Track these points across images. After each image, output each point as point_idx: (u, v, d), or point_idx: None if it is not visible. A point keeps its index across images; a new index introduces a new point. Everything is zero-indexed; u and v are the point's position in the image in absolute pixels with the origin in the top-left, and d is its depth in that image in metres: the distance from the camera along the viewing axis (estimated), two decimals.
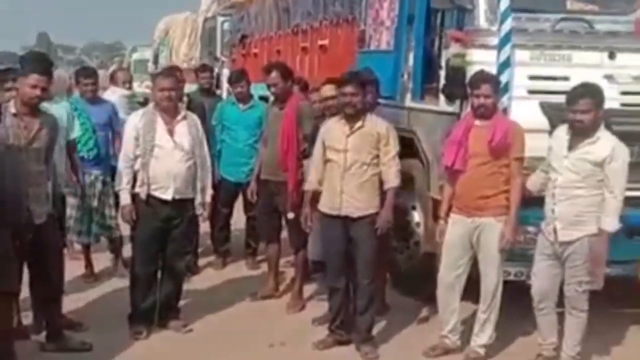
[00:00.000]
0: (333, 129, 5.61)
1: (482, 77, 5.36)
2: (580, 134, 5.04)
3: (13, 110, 5.11)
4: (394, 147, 5.57)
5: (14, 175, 4.64)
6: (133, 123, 5.86)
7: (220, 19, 15.98)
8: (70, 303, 6.09)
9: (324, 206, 5.64)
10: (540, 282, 5.27)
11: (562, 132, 5.18)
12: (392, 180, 5.54)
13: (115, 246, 7.47)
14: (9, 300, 4.98)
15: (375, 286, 5.73)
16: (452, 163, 5.38)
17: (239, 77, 7.62)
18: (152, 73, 22.59)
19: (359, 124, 5.51)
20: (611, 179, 4.99)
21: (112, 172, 7.23)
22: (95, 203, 7.07)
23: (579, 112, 4.98)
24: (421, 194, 6.62)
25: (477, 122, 5.33)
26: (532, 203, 5.47)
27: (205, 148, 6.03)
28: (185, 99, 7.26)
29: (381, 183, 5.57)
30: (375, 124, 5.56)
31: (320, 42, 9.59)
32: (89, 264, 7.35)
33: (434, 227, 5.82)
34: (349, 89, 5.50)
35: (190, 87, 8.19)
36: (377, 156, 5.52)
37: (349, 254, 5.62)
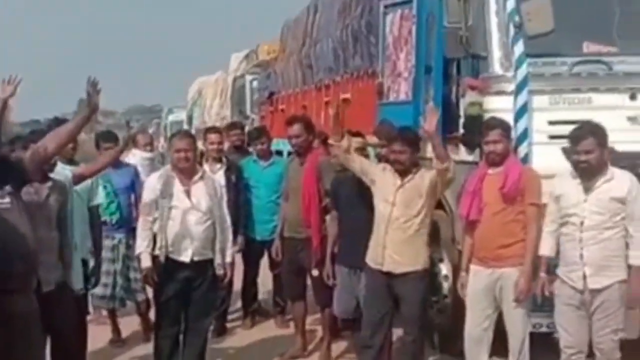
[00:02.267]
0: (386, 177, 5.51)
1: (490, 123, 5.31)
2: (589, 175, 4.87)
3: None
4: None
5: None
6: (151, 185, 5.85)
7: (248, 77, 16.16)
8: None
9: (369, 259, 5.55)
10: (571, 335, 5.05)
11: (568, 178, 5.00)
12: None
13: (141, 309, 7.41)
14: None
15: (420, 346, 5.58)
16: (468, 213, 5.29)
17: (259, 134, 7.61)
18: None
19: (409, 177, 5.43)
20: (636, 212, 4.82)
21: (135, 235, 7.27)
22: (119, 267, 7.04)
23: (583, 153, 4.82)
24: (447, 246, 6.50)
25: (490, 170, 5.25)
26: None
27: (225, 208, 5.97)
28: (224, 159, 7.32)
29: (429, 239, 5.48)
30: (422, 177, 5.45)
31: (342, 96, 9.58)
32: (115, 329, 7.29)
33: (458, 280, 5.69)
34: (396, 146, 5.46)
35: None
36: (427, 210, 5.42)
37: (393, 311, 5.51)
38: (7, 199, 4.48)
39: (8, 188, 4.48)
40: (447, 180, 5.40)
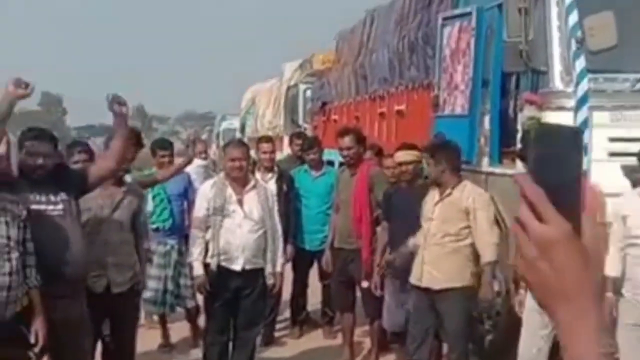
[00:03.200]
0: (431, 192, 5.48)
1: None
2: None
3: None
4: (485, 219, 5.34)
5: (75, 244, 4.61)
6: (204, 193, 5.87)
7: (302, 86, 16.11)
8: None
9: (411, 274, 5.50)
10: (634, 358, 4.93)
11: (635, 197, 4.89)
12: (485, 254, 5.32)
13: (191, 316, 7.43)
14: None
15: None
16: None
17: (311, 144, 7.59)
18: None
19: (447, 191, 5.37)
20: None
21: (187, 241, 7.30)
22: (170, 273, 7.08)
23: None
24: (500, 262, 6.38)
25: None
26: None
27: (276, 217, 5.97)
28: (275, 168, 7.33)
29: (476, 255, 5.38)
30: (463, 193, 5.39)
31: (397, 108, 9.53)
32: (165, 334, 7.33)
33: (515, 297, 5.59)
34: (432, 160, 5.42)
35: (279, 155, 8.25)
36: (468, 227, 5.34)
37: (438, 325, 5.46)
38: (60, 206, 4.54)
39: (63, 195, 4.54)
40: None
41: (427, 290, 5.39)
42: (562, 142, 1.11)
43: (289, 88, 17.50)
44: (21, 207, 4.25)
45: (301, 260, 7.44)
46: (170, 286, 7.07)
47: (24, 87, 4.24)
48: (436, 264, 5.33)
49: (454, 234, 5.32)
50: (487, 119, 6.53)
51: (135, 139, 5.64)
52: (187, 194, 7.27)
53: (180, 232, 7.20)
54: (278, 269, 5.92)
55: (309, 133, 14.83)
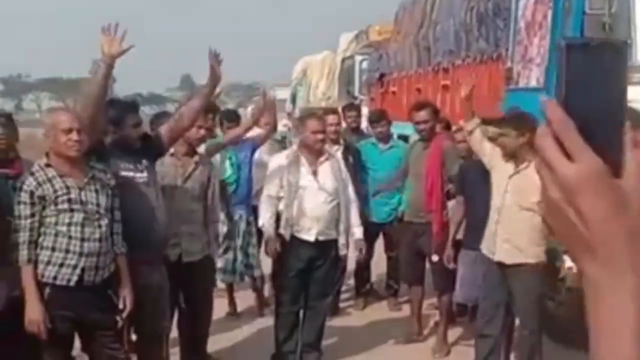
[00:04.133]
0: (503, 163, 5.37)
1: None
2: None
3: (171, 150, 5.20)
4: None
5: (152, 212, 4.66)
6: (278, 163, 5.87)
7: (358, 57, 15.99)
8: (213, 343, 6.08)
9: (483, 247, 5.45)
10: None
11: None
12: None
13: (257, 285, 7.48)
14: (161, 340, 5.02)
15: (537, 338, 5.44)
16: None
17: (379, 116, 7.54)
18: (289, 112, 23.01)
19: (524, 164, 5.28)
20: None
21: (255, 211, 7.32)
22: (239, 242, 7.12)
23: None
24: None
25: None
26: None
27: (350, 188, 5.97)
28: (342, 141, 7.29)
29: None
30: None
31: (462, 81, 9.41)
32: (232, 302, 7.40)
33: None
34: (508, 130, 5.32)
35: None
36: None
37: (510, 301, 5.41)
38: (145, 173, 4.60)
39: (145, 162, 4.59)
40: None
41: (499, 264, 5.35)
42: (601, 59, 0.89)
43: (344, 59, 17.39)
44: (109, 175, 4.31)
45: (367, 232, 7.39)
46: (239, 255, 7.12)
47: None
48: (510, 238, 5.25)
49: (528, 208, 5.23)
50: None
51: (212, 108, 5.65)
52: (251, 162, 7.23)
53: (248, 201, 7.23)
54: (358, 235, 5.96)
55: (365, 105, 14.80)
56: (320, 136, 5.76)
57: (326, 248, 5.83)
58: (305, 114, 6.25)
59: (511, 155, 5.36)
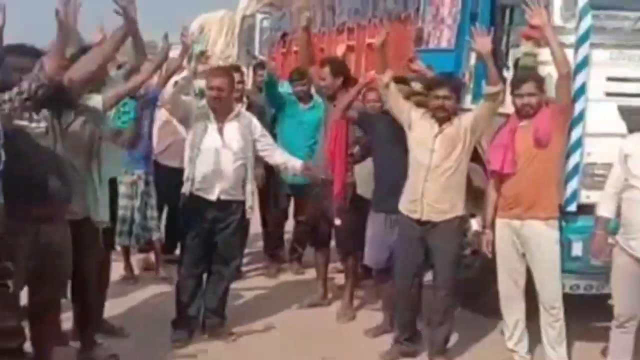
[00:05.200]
0: (424, 123, 5.26)
1: (523, 76, 5.15)
2: None
3: None
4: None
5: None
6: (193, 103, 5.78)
7: (259, 16, 15.63)
8: (109, 308, 5.77)
9: (404, 209, 5.32)
10: (630, 303, 4.87)
11: (638, 138, 4.83)
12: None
13: (156, 248, 7.17)
14: (58, 306, 4.66)
15: (453, 300, 5.42)
16: (501, 167, 5.12)
17: (300, 75, 7.11)
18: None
19: (446, 124, 5.21)
20: None
21: (158, 170, 6.99)
22: (137, 203, 6.78)
23: None
24: (480, 201, 6.25)
25: (522, 123, 5.10)
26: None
27: (266, 141, 5.81)
28: (245, 99, 6.99)
29: (468, 183, 5.34)
30: (460, 120, 5.25)
31: (368, 40, 9.23)
32: (128, 266, 7.07)
33: (483, 237, 5.48)
34: (441, 92, 5.19)
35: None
36: (462, 153, 5.20)
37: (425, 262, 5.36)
38: (42, 124, 4.24)
39: (45, 112, 4.22)
40: (496, 107, 5.23)
41: (422, 224, 5.23)
42: None
43: (244, 18, 16.99)
44: None
45: (279, 196, 7.21)
46: (137, 218, 6.78)
47: None
48: (439, 196, 5.18)
49: (454, 164, 5.19)
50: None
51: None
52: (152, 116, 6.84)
53: (147, 161, 6.90)
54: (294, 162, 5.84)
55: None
56: (215, 93, 5.49)
57: (230, 209, 5.58)
58: (209, 71, 5.90)
59: (432, 114, 5.24)
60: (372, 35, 9.15)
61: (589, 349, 5.55)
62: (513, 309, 5.28)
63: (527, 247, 5.12)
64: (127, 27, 4.58)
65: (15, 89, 3.92)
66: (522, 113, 5.05)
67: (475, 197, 6.27)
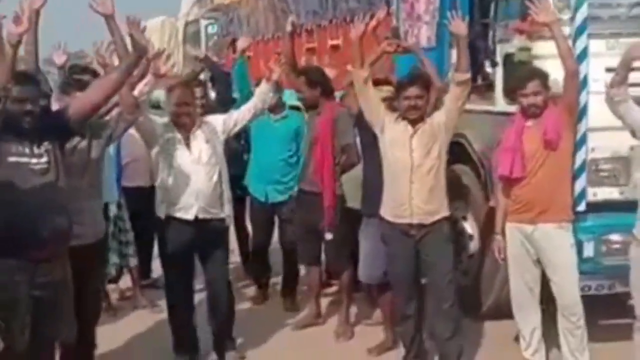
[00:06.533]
0: (397, 125, 5.01)
1: (528, 74, 4.92)
2: None
3: None
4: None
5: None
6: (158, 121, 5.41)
7: (203, 22, 15.31)
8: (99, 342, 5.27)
9: (391, 215, 5.04)
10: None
11: None
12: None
13: (134, 276, 6.79)
14: (53, 347, 4.38)
15: (457, 310, 5.14)
16: (510, 171, 4.89)
17: None
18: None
19: (420, 124, 4.95)
20: None
21: (127, 193, 6.60)
22: (111, 229, 6.37)
23: None
24: (473, 203, 6.05)
25: (528, 123, 4.88)
26: (616, 208, 4.96)
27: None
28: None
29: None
30: (432, 117, 5.00)
31: (331, 42, 8.96)
32: (106, 297, 6.64)
33: (493, 242, 5.24)
34: (412, 90, 4.90)
35: None
36: (439, 148, 4.95)
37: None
38: (44, 159, 3.93)
39: (46, 145, 3.90)
40: (465, 95, 5.01)
41: (412, 230, 4.96)
42: None
43: (187, 24, 16.59)
44: None
45: (259, 214, 6.71)
46: (112, 244, 6.37)
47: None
48: (427, 196, 4.93)
49: (436, 162, 4.94)
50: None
51: None
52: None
53: (117, 182, 6.50)
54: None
55: None
56: (184, 109, 5.24)
57: (210, 228, 5.27)
58: (171, 84, 5.56)
59: (403, 116, 4.99)
60: (334, 36, 8.91)
61: (611, 352, 5.27)
62: (529, 318, 5.07)
63: (541, 252, 4.90)
64: (137, 55, 4.24)
65: None
66: (529, 113, 4.83)
67: (466, 198, 6.09)
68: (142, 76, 5.01)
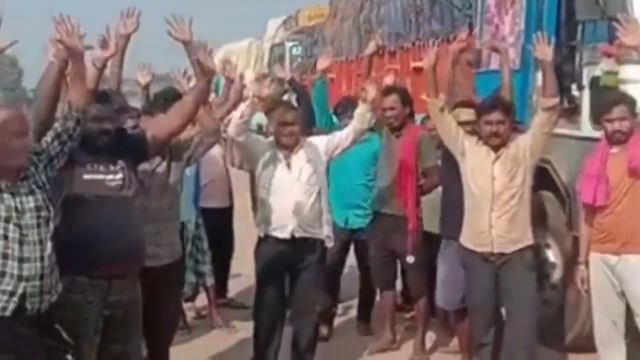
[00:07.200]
0: (479, 150, 4.90)
1: (614, 99, 4.74)
2: None
3: None
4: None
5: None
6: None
7: (288, 44, 15.49)
8: None
9: (471, 243, 4.92)
10: None
11: None
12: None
13: (209, 295, 6.80)
14: None
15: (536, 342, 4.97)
16: (593, 199, 4.71)
17: (346, 107, 6.52)
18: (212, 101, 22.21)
19: (502, 149, 4.84)
20: None
21: (204, 213, 6.63)
22: (188, 248, 6.40)
23: None
24: (556, 231, 5.86)
25: (613, 149, 4.69)
26: None
27: None
28: None
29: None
30: (517, 143, 4.88)
31: (413, 64, 8.88)
32: (182, 315, 6.66)
33: (576, 273, 5.04)
34: (494, 116, 4.79)
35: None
36: (524, 178, 4.82)
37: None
38: (119, 175, 3.96)
39: (121, 163, 3.94)
40: (553, 121, 4.87)
41: (493, 260, 4.83)
42: None
43: (273, 46, 16.81)
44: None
45: (337, 241, 6.12)
46: (189, 263, 6.40)
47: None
48: (508, 225, 4.80)
49: (519, 189, 4.82)
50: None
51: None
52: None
53: (195, 202, 6.53)
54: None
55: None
56: (288, 129, 5.21)
57: (306, 247, 5.24)
58: (275, 104, 5.60)
59: (486, 142, 4.87)
60: (417, 58, 8.83)
61: None
62: (612, 352, 4.85)
63: (625, 284, 4.69)
64: (205, 79, 4.27)
65: (51, 132, 3.62)
66: (614, 139, 4.65)
67: (549, 226, 5.91)
68: (238, 100, 5.09)
